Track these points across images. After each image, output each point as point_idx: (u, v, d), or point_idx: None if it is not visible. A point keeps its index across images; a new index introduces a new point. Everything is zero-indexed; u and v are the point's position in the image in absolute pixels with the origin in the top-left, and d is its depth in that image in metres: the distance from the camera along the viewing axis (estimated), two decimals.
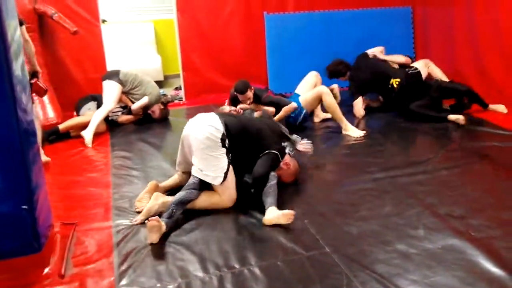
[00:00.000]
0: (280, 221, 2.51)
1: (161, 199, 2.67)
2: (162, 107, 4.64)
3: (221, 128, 2.72)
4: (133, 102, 4.48)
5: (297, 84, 4.48)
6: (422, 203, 2.70)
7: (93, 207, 2.85)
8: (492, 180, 3.00)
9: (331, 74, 4.77)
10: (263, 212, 2.65)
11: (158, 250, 2.34)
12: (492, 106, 4.36)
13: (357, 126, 4.13)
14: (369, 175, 3.14)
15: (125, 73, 4.43)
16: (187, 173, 2.89)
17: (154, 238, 2.38)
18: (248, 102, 4.01)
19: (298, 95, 4.28)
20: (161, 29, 6.89)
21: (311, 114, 4.36)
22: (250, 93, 3.99)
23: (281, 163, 2.94)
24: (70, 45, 4.77)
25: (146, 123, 4.59)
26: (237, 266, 2.19)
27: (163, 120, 4.68)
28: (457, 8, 5.04)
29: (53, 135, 4.10)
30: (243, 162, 2.87)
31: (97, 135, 4.15)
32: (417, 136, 4.08)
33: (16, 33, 2.08)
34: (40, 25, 4.55)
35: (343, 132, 4.04)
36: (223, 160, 2.69)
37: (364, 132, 4.01)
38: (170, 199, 2.66)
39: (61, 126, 4.12)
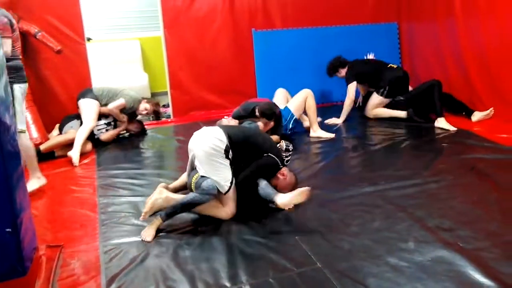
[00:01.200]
0: (298, 199, 2.57)
1: (165, 194, 2.71)
2: (147, 108, 4.65)
3: (225, 140, 2.78)
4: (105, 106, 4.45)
5: None
6: (412, 216, 2.71)
7: (80, 228, 2.79)
8: (480, 192, 3.02)
9: (332, 68, 5.02)
10: (253, 228, 2.63)
11: (147, 270, 2.30)
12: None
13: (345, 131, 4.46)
14: (359, 189, 3.14)
15: (98, 88, 4.46)
16: None
17: (150, 234, 2.54)
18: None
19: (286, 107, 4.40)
20: (148, 47, 6.90)
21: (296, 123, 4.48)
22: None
23: (278, 173, 2.96)
24: (54, 64, 4.73)
25: (130, 140, 4.56)
26: (228, 284, 2.16)
27: (142, 133, 4.69)
28: (441, 23, 5.15)
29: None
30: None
31: (83, 154, 4.11)
32: (406, 149, 4.11)
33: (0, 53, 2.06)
34: (23, 44, 4.51)
35: (312, 134, 4.39)
36: (228, 171, 2.75)
37: (334, 134, 4.35)
38: (175, 196, 2.72)
39: (42, 147, 4.05)
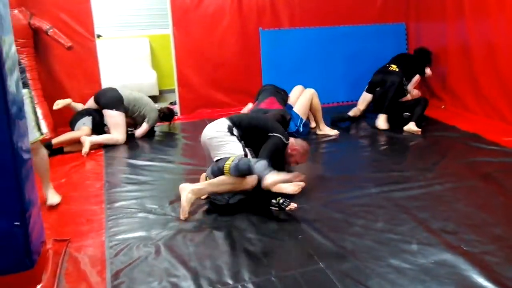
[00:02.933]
0: (288, 189, 2.66)
1: (190, 187, 2.83)
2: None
3: (225, 123, 3.05)
4: (131, 118, 4.51)
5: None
6: (416, 218, 2.71)
7: (86, 223, 2.83)
8: (484, 195, 3.02)
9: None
10: (257, 227, 2.66)
11: (152, 266, 2.33)
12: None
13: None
14: (363, 190, 3.15)
15: (127, 98, 4.41)
16: None
17: (185, 209, 2.74)
18: None
19: (291, 107, 4.36)
20: (157, 44, 6.92)
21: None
22: None
23: (289, 150, 3.17)
24: (64, 60, 4.77)
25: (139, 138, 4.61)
26: (230, 282, 2.18)
27: (151, 130, 4.71)
28: (449, 23, 5.12)
29: (47, 151, 4.08)
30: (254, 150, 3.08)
31: (90, 148, 4.16)
32: (411, 151, 4.12)
33: (11, 49, 2.09)
34: (35, 40, 4.57)
35: (318, 132, 4.47)
36: (237, 143, 2.95)
37: (338, 132, 4.45)
38: (201, 185, 2.87)
39: (54, 141, 4.11)
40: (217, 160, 2.94)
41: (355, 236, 2.56)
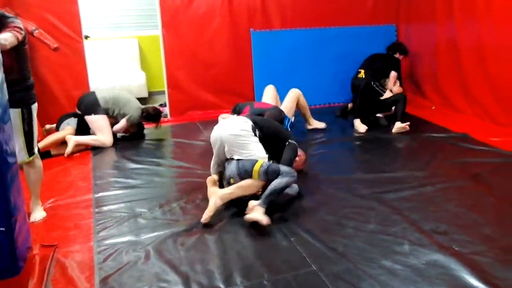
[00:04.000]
0: (261, 221, 2.62)
1: (220, 193, 2.85)
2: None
3: (249, 122, 3.07)
4: (113, 117, 4.42)
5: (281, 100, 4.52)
6: (407, 219, 2.71)
7: (74, 228, 2.78)
8: (475, 195, 3.03)
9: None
10: (248, 230, 2.64)
11: (141, 271, 2.30)
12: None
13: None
14: (354, 192, 3.15)
15: (104, 99, 4.33)
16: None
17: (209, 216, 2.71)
18: None
19: None
20: (146, 45, 6.87)
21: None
22: None
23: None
24: (51, 62, 4.70)
25: (128, 139, 4.56)
26: (222, 286, 2.15)
27: (140, 133, 4.67)
28: (439, 25, 5.16)
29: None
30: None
31: (78, 152, 4.11)
32: (401, 152, 4.13)
33: None
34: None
35: (309, 127, 4.65)
36: (260, 145, 3.01)
37: (326, 124, 4.64)
38: (229, 190, 2.86)
39: (40, 145, 4.04)
40: (238, 159, 2.93)
41: (347, 238, 2.55)
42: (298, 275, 2.22)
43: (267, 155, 2.99)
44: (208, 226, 2.72)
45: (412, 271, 2.21)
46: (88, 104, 4.29)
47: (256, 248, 2.48)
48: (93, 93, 4.42)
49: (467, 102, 4.87)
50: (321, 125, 4.67)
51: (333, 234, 2.59)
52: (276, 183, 2.79)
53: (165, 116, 5.39)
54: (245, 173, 2.88)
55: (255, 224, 2.70)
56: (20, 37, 2.54)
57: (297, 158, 3.32)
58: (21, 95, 2.66)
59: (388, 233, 2.58)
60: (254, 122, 3.11)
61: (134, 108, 4.48)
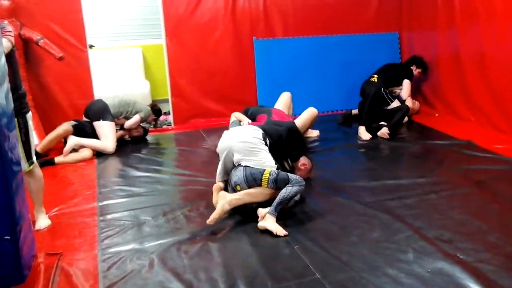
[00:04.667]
0: (276, 232, 2.66)
1: (229, 198, 2.85)
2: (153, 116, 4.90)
3: (259, 130, 3.16)
4: (126, 118, 4.60)
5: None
6: (411, 227, 2.70)
7: (79, 236, 2.79)
8: (479, 203, 3.02)
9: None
10: (252, 238, 2.64)
11: (146, 279, 2.30)
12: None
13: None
14: (358, 199, 3.14)
15: (113, 104, 4.47)
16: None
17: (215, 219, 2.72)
18: None
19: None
20: (150, 54, 6.91)
21: None
22: None
23: (299, 165, 3.42)
24: (56, 71, 4.74)
25: (131, 147, 4.58)
26: None
27: (144, 137, 4.80)
28: (441, 32, 5.17)
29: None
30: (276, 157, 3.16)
31: (83, 160, 4.14)
32: (405, 159, 4.12)
33: (1, 61, 2.06)
34: (25, 51, 4.54)
35: (308, 134, 4.62)
36: (269, 154, 3.06)
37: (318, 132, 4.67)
38: (238, 196, 2.85)
39: (38, 148, 4.05)
40: (245, 166, 2.95)
41: (351, 246, 2.54)
42: (301, 283, 2.21)
43: (276, 165, 3.01)
44: (211, 234, 2.72)
45: (417, 279, 2.20)
46: (98, 110, 4.40)
47: (259, 256, 2.48)
48: (101, 100, 4.51)
49: (469, 109, 4.87)
50: (314, 133, 4.69)
51: (337, 242, 2.59)
52: (286, 192, 2.81)
53: (169, 124, 5.42)
54: (252, 181, 2.89)
55: (258, 232, 2.71)
56: (13, 40, 2.59)
57: (302, 167, 3.38)
58: (15, 104, 2.59)
59: (392, 241, 2.57)
60: (264, 130, 3.20)
61: (144, 105, 4.76)
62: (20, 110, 2.70)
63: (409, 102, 5.05)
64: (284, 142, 3.36)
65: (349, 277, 2.24)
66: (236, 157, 3.03)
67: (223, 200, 2.82)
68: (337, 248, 2.51)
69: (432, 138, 4.48)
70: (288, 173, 2.93)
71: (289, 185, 2.84)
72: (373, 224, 2.77)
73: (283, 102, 4.56)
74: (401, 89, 5.13)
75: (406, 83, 5.11)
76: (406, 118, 4.97)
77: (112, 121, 4.41)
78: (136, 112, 4.60)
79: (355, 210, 2.99)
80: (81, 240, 2.74)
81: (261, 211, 2.77)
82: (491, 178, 3.40)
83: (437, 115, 5.28)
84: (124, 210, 3.11)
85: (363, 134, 4.62)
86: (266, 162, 2.98)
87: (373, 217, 2.87)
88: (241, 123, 3.98)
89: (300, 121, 4.29)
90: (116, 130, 4.55)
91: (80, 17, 4.79)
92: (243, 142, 3.03)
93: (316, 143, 4.50)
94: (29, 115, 2.80)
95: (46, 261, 2.42)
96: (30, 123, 2.79)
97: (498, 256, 2.37)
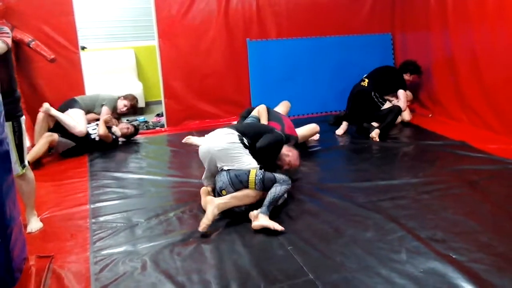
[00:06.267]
0: (273, 227, 2.68)
1: (217, 202, 2.82)
2: (126, 104, 4.90)
3: (234, 133, 3.08)
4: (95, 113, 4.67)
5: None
6: (404, 227, 2.71)
7: (70, 239, 2.76)
8: (472, 203, 3.03)
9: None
10: (245, 239, 2.63)
11: (138, 281, 2.28)
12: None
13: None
14: (352, 200, 3.14)
15: (82, 99, 4.62)
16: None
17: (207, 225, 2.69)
18: None
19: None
20: (142, 56, 6.89)
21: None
22: None
23: (285, 151, 3.30)
24: (48, 73, 4.71)
25: (124, 149, 4.56)
26: None
27: (132, 136, 4.83)
28: (434, 33, 5.20)
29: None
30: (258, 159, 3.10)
31: (75, 163, 4.12)
32: (398, 160, 4.13)
33: None
34: (16, 53, 4.50)
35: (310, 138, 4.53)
36: (251, 157, 3.01)
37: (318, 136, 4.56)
38: (225, 200, 2.85)
39: (29, 159, 4.00)
40: (228, 170, 2.95)
41: (344, 246, 2.54)
42: (295, 284, 2.21)
43: (258, 165, 3.00)
44: (204, 235, 2.71)
45: (410, 279, 2.20)
46: (65, 103, 4.55)
47: (252, 257, 2.47)
48: (73, 98, 4.64)
49: (462, 110, 4.90)
50: (315, 136, 4.61)
51: (330, 242, 2.59)
52: (276, 191, 2.83)
53: (162, 126, 5.40)
54: (238, 183, 2.89)
55: (251, 233, 2.70)
56: (9, 42, 2.56)
57: (290, 154, 3.32)
58: (10, 107, 2.59)
59: (385, 241, 2.57)
60: (238, 130, 3.13)
61: (108, 95, 4.79)
62: (14, 114, 2.68)
63: (406, 115, 5.06)
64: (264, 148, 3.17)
65: (342, 277, 2.24)
66: (219, 164, 3.04)
67: (211, 205, 2.81)
68: (330, 249, 2.51)
69: (426, 139, 4.50)
70: (273, 173, 2.96)
71: (277, 184, 2.86)
72: (366, 225, 2.77)
73: (281, 109, 4.51)
74: (395, 98, 5.06)
75: (403, 95, 5.00)
76: (399, 119, 4.98)
77: (81, 109, 4.48)
78: (102, 105, 4.65)
79: (348, 210, 2.99)
80: (73, 242, 2.72)
81: (253, 213, 2.77)
82: (484, 178, 3.42)
83: (430, 115, 5.31)
84: (117, 212, 3.09)
85: (340, 128, 4.78)
86: (248, 164, 2.97)
87: (366, 217, 2.87)
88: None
89: (301, 133, 4.27)
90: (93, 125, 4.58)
91: (72, 19, 4.76)
92: (221, 150, 3.00)
93: (309, 144, 4.49)
94: (23, 118, 2.77)
95: (37, 264, 2.40)
96: (23, 127, 2.77)
97: (491, 256, 2.38)
